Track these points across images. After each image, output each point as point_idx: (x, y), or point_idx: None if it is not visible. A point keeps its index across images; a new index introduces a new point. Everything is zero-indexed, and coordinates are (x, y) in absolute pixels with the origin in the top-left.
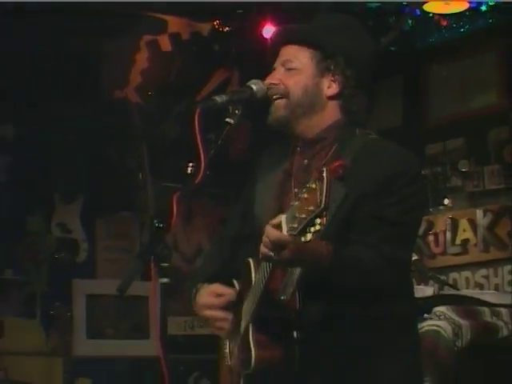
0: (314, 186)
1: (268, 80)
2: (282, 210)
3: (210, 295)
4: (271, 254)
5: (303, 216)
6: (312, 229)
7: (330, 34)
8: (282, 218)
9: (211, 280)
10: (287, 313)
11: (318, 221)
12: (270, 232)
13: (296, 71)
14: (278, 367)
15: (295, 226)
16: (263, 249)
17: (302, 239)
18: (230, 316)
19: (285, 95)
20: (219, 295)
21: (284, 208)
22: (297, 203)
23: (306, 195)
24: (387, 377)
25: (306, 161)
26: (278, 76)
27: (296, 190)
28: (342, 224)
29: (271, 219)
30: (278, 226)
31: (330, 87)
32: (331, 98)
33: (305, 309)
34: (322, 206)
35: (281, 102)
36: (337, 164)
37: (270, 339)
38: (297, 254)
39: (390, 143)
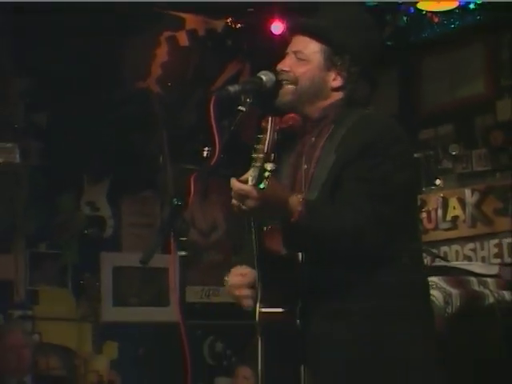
0: (261, 135)
1: (279, 66)
2: (294, 187)
3: (237, 276)
4: (239, 204)
5: (258, 164)
6: (266, 174)
7: (340, 31)
8: (249, 172)
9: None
10: (289, 273)
11: (269, 167)
12: (233, 184)
13: (305, 61)
14: (280, 321)
15: (254, 174)
16: (232, 201)
17: (261, 186)
18: (254, 293)
19: (294, 82)
20: (243, 275)
21: (296, 185)
22: (254, 155)
23: (257, 145)
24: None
25: (313, 138)
26: (288, 63)
27: (305, 166)
28: (331, 188)
29: None
30: (246, 181)
31: (335, 80)
32: (335, 89)
33: (302, 269)
34: (266, 151)
35: (289, 88)
36: (290, 115)
37: (273, 297)
38: (260, 202)
39: (379, 115)
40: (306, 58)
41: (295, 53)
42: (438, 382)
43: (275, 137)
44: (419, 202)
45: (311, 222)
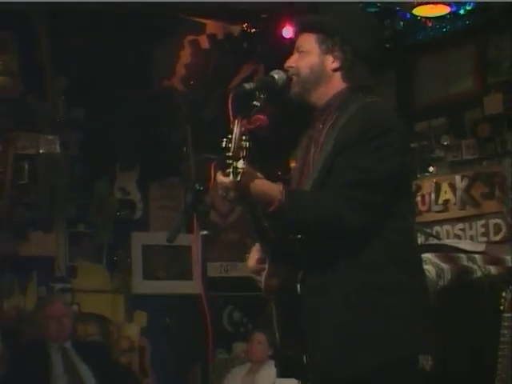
0: (230, 136)
1: (286, 63)
2: (303, 169)
3: (253, 260)
4: (224, 195)
5: (229, 162)
6: (239, 170)
7: (329, 19)
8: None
9: None
10: (290, 247)
11: (239, 164)
12: (217, 177)
13: (305, 53)
14: (283, 289)
15: (229, 170)
16: (219, 191)
17: (238, 179)
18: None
19: (296, 74)
20: (259, 259)
21: (305, 167)
22: (226, 153)
23: (228, 144)
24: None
25: (320, 125)
26: (293, 59)
27: (313, 150)
28: (327, 173)
29: (297, 179)
30: (229, 174)
31: (334, 62)
32: (335, 70)
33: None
34: (233, 150)
35: (294, 81)
36: (257, 117)
37: (277, 269)
38: (240, 193)
39: (378, 104)
40: (306, 50)
41: (297, 48)
42: (428, 345)
43: (242, 137)
44: (413, 187)
45: (290, 210)
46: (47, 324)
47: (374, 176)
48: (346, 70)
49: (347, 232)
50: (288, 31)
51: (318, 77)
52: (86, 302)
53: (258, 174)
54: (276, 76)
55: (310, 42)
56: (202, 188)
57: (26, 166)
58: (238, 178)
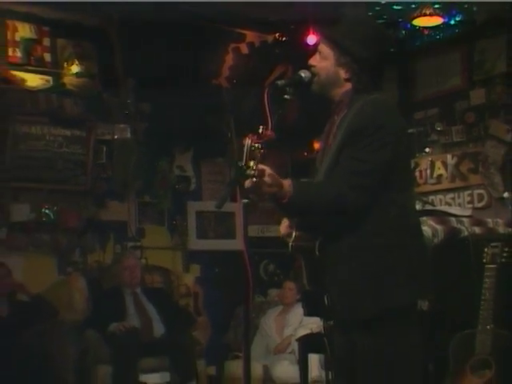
0: (243, 149)
1: (310, 60)
2: (324, 152)
3: (284, 226)
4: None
5: (243, 169)
6: (247, 172)
7: (343, 38)
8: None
9: None
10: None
11: (252, 172)
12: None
13: (324, 58)
14: (308, 248)
15: (248, 173)
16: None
17: (254, 180)
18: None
19: (317, 75)
20: (289, 225)
21: (324, 153)
22: (240, 164)
23: (243, 154)
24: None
25: (335, 116)
26: (315, 60)
27: (331, 136)
28: (336, 162)
29: (320, 159)
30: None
31: (346, 73)
32: (346, 80)
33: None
34: (244, 163)
35: (315, 80)
36: (265, 132)
37: (301, 235)
38: (255, 190)
39: (378, 101)
40: (324, 56)
41: (319, 52)
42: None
43: (251, 148)
44: (412, 164)
45: (299, 200)
46: (122, 274)
47: (369, 165)
48: (355, 80)
49: (350, 209)
50: (312, 39)
51: (333, 82)
52: (152, 257)
53: (270, 170)
54: (303, 74)
55: (328, 51)
56: (243, 165)
57: (104, 149)
58: (255, 179)
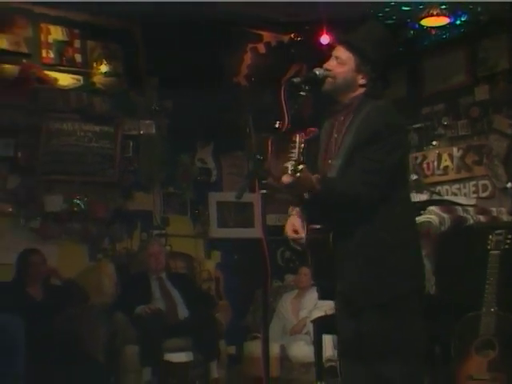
0: (292, 144)
1: (325, 65)
2: (327, 148)
3: (290, 226)
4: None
5: (292, 163)
6: (299, 168)
7: (366, 45)
8: (288, 163)
9: None
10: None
11: (300, 167)
12: (283, 179)
13: (342, 64)
14: (320, 243)
15: (291, 168)
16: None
17: (297, 175)
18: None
19: (333, 78)
20: (294, 230)
21: (328, 148)
22: (289, 154)
23: (291, 150)
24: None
25: (342, 117)
26: (331, 64)
27: (335, 135)
28: (348, 161)
29: (323, 157)
30: (286, 168)
31: (362, 79)
32: (361, 85)
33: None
34: (295, 158)
35: (330, 81)
36: (310, 129)
37: (315, 229)
38: (292, 184)
39: (384, 107)
40: (342, 62)
41: (336, 58)
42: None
43: (301, 145)
44: (418, 159)
45: (325, 196)
46: (148, 260)
47: (382, 165)
48: (370, 86)
49: (364, 204)
50: (325, 39)
51: (349, 86)
52: (176, 244)
53: (307, 171)
54: (317, 72)
55: (347, 57)
56: (261, 158)
57: (131, 144)
58: (299, 175)
